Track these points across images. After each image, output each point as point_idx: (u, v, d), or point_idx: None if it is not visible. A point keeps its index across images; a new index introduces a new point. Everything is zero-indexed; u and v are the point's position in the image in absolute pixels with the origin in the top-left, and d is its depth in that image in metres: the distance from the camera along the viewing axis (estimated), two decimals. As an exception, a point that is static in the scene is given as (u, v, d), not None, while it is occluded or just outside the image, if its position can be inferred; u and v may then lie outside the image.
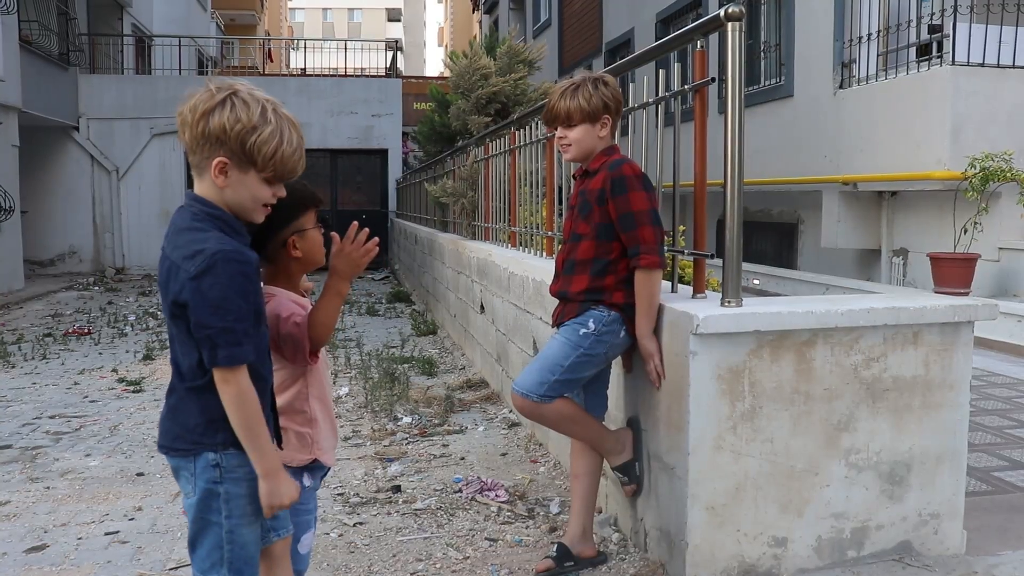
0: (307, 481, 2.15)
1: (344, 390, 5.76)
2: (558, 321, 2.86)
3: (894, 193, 8.62)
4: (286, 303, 2.05)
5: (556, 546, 2.91)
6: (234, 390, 1.72)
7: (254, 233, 1.89)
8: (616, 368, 3.06)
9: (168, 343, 1.86)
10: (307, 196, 2.08)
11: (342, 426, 4.86)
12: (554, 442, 4.15)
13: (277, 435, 1.94)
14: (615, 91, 2.79)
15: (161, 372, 6.58)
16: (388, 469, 4.08)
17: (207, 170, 1.76)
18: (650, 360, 2.72)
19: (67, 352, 7.59)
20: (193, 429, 1.78)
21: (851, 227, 8.84)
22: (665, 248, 2.74)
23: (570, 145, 2.79)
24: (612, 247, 2.72)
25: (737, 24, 2.53)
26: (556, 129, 2.84)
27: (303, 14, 66.22)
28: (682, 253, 3.04)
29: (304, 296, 2.15)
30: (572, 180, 2.95)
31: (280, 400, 2.04)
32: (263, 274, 2.05)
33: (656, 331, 2.77)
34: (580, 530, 2.92)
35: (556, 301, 2.91)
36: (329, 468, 2.26)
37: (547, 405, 2.75)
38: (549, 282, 3.96)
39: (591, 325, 2.72)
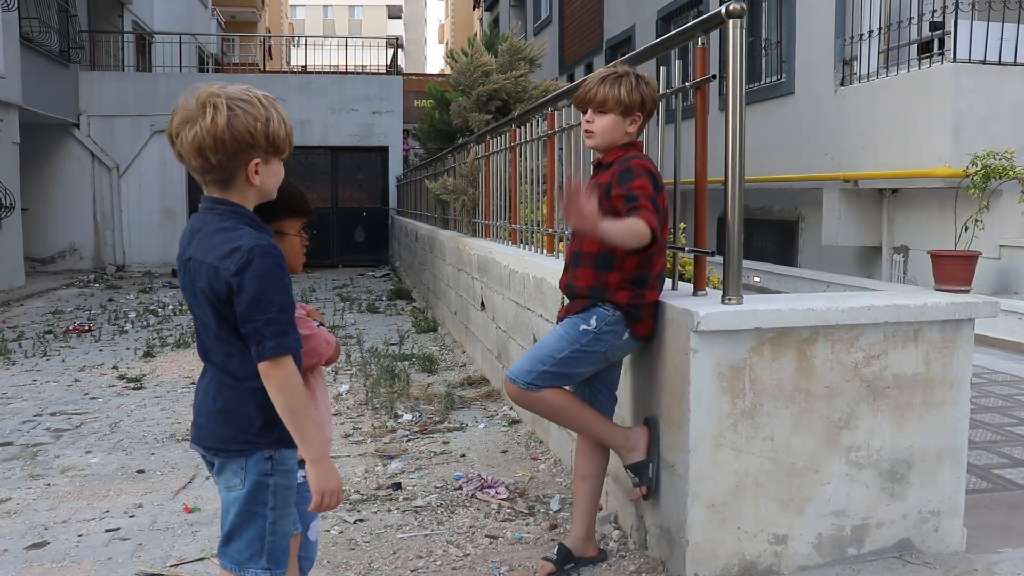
0: None
1: (344, 387, 5.76)
2: (562, 318, 2.81)
3: (895, 191, 8.62)
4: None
5: (557, 547, 2.89)
6: (281, 377, 1.74)
7: None
8: (623, 367, 3.03)
9: (201, 346, 1.88)
10: (298, 204, 2.12)
11: (342, 423, 4.86)
12: (555, 439, 4.15)
13: None
14: (654, 92, 2.76)
15: (162, 369, 6.58)
16: (388, 466, 4.09)
17: (239, 177, 1.79)
18: (575, 206, 2.31)
19: (68, 349, 7.59)
20: (248, 429, 1.81)
21: (852, 225, 8.83)
22: (659, 226, 2.55)
23: (595, 132, 2.72)
24: None
25: (738, 21, 2.53)
26: (585, 113, 2.77)
27: (304, 11, 66.17)
28: (683, 250, 3.03)
29: None
30: (571, 177, 2.91)
31: None
32: None
33: (657, 328, 2.77)
34: (584, 532, 2.90)
35: (558, 297, 2.89)
36: None
37: (534, 394, 2.70)
38: (549, 279, 3.97)
39: (592, 322, 2.69)
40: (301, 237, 2.14)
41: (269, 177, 1.84)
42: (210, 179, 1.80)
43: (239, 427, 1.82)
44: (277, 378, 1.74)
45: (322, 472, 1.79)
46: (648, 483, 2.84)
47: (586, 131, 2.78)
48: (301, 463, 2.14)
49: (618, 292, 2.68)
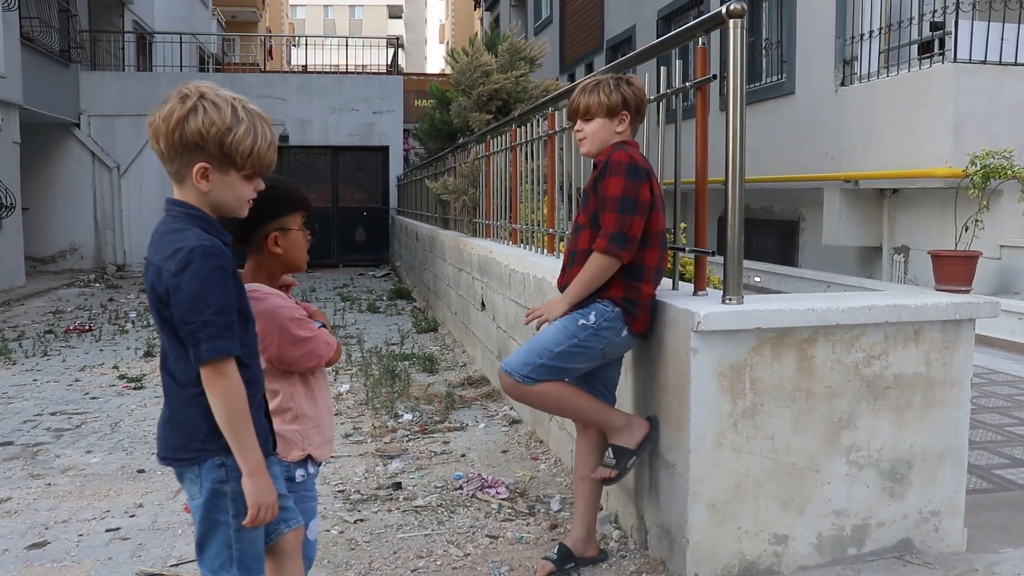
0: (311, 468, 2.17)
1: (345, 387, 5.76)
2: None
3: (895, 191, 8.62)
4: (290, 308, 2.08)
5: (558, 547, 2.89)
6: (221, 385, 1.69)
7: (240, 222, 1.90)
8: (623, 368, 3.03)
9: (162, 352, 1.84)
10: (298, 199, 2.13)
11: (343, 423, 4.86)
12: (555, 439, 4.15)
13: (272, 438, 1.93)
14: (638, 91, 2.80)
15: (162, 369, 6.58)
16: (389, 466, 4.09)
17: (188, 177, 1.75)
18: (536, 313, 2.77)
19: (68, 349, 7.60)
20: (195, 436, 1.76)
21: (852, 225, 8.83)
22: (627, 241, 2.63)
23: (585, 139, 2.81)
24: None
25: (739, 21, 2.53)
26: (575, 124, 2.85)
27: (304, 11, 66.16)
28: (683, 250, 3.03)
29: (286, 292, 2.18)
30: (571, 177, 2.95)
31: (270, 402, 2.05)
32: (247, 267, 2.10)
33: (655, 327, 2.77)
34: (584, 532, 2.90)
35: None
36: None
37: (529, 387, 2.71)
38: (550, 279, 3.97)
39: (592, 318, 2.70)
40: (304, 232, 2.15)
41: (222, 188, 1.76)
42: (168, 171, 1.78)
43: (186, 435, 1.77)
44: (216, 385, 1.70)
45: (258, 486, 1.74)
46: (621, 472, 2.79)
47: (579, 139, 2.87)
48: (300, 463, 2.15)
49: (613, 284, 2.70)
